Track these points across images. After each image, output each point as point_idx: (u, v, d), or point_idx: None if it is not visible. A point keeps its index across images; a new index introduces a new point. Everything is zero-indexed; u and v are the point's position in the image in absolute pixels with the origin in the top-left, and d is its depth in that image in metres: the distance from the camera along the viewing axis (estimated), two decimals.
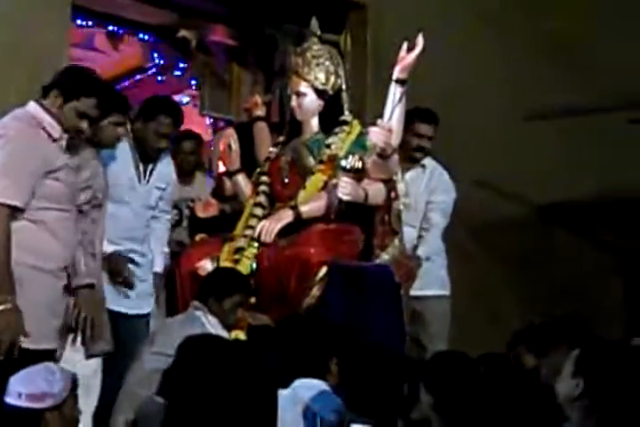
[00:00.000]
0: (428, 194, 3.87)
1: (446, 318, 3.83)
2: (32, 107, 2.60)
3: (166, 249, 3.49)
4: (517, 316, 4.56)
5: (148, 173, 3.35)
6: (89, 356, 2.78)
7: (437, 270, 3.84)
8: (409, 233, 3.60)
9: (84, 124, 2.60)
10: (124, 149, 3.27)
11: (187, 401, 1.45)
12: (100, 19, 4.71)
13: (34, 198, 2.50)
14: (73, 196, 2.66)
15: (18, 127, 2.54)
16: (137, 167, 3.31)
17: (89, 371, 2.77)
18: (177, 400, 1.46)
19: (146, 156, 3.33)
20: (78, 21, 4.53)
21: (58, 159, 2.57)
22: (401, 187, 3.30)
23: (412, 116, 3.69)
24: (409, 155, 3.83)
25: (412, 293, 3.39)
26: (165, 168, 3.44)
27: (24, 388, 2.16)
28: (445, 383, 2.12)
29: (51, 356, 2.54)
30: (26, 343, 2.43)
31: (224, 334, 2.83)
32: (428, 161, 3.94)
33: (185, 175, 3.97)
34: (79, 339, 2.75)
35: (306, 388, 2.37)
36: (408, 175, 3.84)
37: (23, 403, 2.14)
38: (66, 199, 2.60)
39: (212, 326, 2.85)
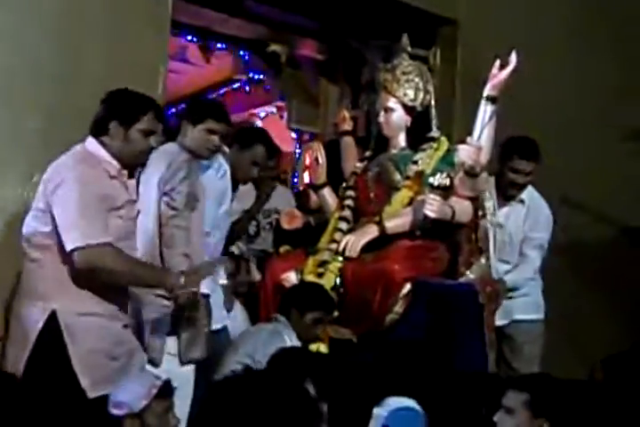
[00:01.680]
0: (526, 230, 3.61)
1: (539, 341, 3.70)
2: (91, 144, 2.55)
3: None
4: (604, 339, 4.43)
5: None
6: (183, 362, 2.81)
7: (534, 295, 3.69)
8: (501, 268, 3.48)
9: (153, 142, 2.59)
10: (228, 180, 3.25)
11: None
12: (194, 32, 4.84)
13: None
14: (132, 232, 2.61)
15: (81, 171, 2.48)
16: None
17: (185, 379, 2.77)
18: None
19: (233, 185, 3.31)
20: (174, 35, 4.66)
21: (120, 196, 2.53)
22: (488, 205, 3.26)
23: (512, 151, 3.50)
24: (503, 191, 3.58)
25: (504, 318, 3.32)
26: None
27: (111, 395, 2.24)
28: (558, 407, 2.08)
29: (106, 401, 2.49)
30: (92, 392, 2.39)
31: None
32: (527, 194, 3.62)
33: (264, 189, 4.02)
34: (175, 345, 2.79)
35: (395, 402, 2.35)
36: (505, 210, 3.59)
37: (110, 409, 2.22)
38: (125, 236, 2.55)
39: (293, 340, 2.88)
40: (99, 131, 2.55)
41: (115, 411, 2.27)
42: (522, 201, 3.63)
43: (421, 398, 2.42)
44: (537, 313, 3.71)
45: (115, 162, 2.54)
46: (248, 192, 3.97)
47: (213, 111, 3.07)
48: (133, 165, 2.61)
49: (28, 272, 2.51)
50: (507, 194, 3.57)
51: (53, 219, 2.45)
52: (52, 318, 2.41)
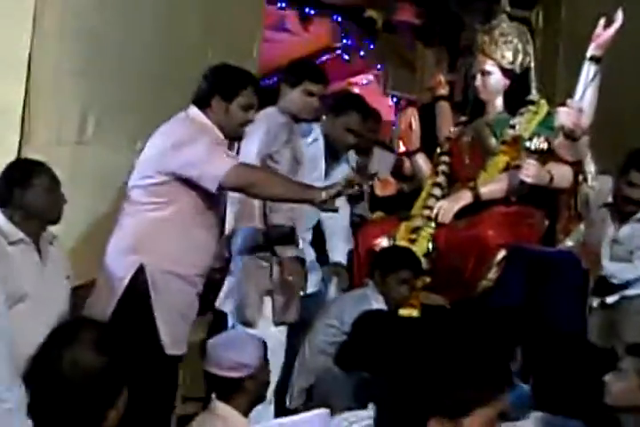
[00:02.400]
0: None
1: None
2: (197, 114, 2.64)
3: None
4: None
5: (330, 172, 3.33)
6: (277, 323, 2.85)
7: None
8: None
9: (251, 115, 2.68)
10: (319, 147, 3.28)
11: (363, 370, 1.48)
12: (292, 0, 4.85)
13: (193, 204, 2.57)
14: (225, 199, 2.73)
15: (196, 129, 2.60)
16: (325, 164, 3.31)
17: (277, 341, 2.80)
18: (352, 369, 1.50)
19: (333, 152, 3.31)
20: (275, 3, 4.69)
21: None
22: (590, 169, 3.13)
23: (629, 164, 3.12)
24: (620, 207, 3.18)
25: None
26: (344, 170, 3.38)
27: (222, 359, 2.28)
28: None
29: (179, 360, 2.60)
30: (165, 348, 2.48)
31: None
32: None
33: (364, 152, 4.02)
34: (269, 306, 2.84)
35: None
36: (624, 231, 3.21)
37: (223, 373, 2.27)
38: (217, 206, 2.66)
39: (380, 304, 2.87)
40: (202, 104, 2.66)
41: (233, 373, 2.27)
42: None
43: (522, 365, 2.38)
44: None
45: (219, 132, 2.64)
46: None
47: (311, 73, 3.10)
48: (233, 137, 2.72)
49: (122, 227, 2.62)
50: (623, 210, 3.17)
51: (165, 174, 2.56)
52: (140, 272, 2.52)
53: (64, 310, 2.52)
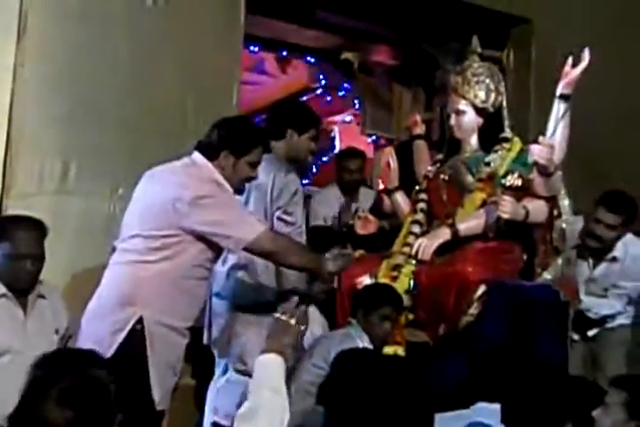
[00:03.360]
0: (618, 280, 3.45)
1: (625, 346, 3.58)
2: (206, 166, 2.62)
3: None
4: None
5: None
6: None
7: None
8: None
9: (256, 173, 2.70)
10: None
11: (344, 411, 1.50)
12: (268, 44, 4.94)
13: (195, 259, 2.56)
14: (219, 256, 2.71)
15: (213, 184, 2.59)
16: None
17: None
18: (334, 410, 1.52)
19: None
20: (251, 47, 4.78)
21: None
22: (564, 204, 3.20)
23: (600, 203, 3.32)
24: (583, 242, 3.39)
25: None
26: None
27: (229, 408, 2.24)
28: None
29: (162, 416, 2.58)
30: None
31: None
32: (620, 248, 3.41)
33: (351, 192, 4.10)
34: None
35: (478, 413, 2.33)
36: (599, 270, 3.43)
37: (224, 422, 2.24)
38: (215, 259, 2.65)
39: (364, 342, 2.90)
40: (210, 155, 2.63)
41: (225, 422, 2.24)
42: (614, 259, 3.43)
43: (504, 399, 2.40)
44: (627, 319, 3.59)
45: (229, 187, 2.64)
46: (333, 196, 4.05)
47: (316, 118, 3.23)
48: (234, 190, 2.70)
49: (116, 276, 2.56)
50: (587, 246, 3.39)
51: (175, 228, 2.51)
52: (138, 324, 2.48)
53: None
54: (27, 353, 2.36)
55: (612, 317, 3.53)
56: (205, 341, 3.06)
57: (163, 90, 3.53)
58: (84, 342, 2.54)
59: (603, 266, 3.46)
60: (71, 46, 3.39)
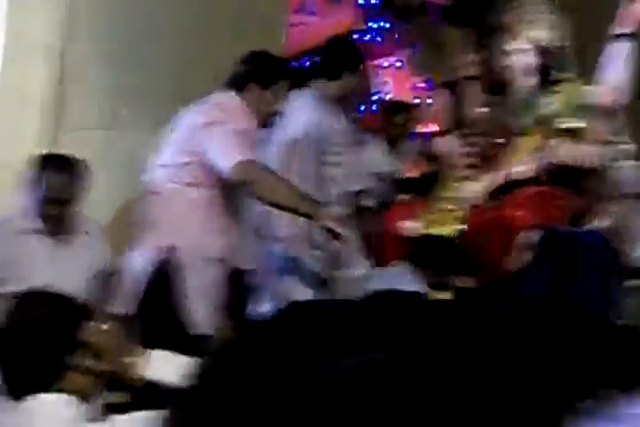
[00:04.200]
0: None
1: None
2: (233, 97, 2.70)
3: None
4: None
5: None
6: None
7: None
8: None
9: (280, 106, 2.76)
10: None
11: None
12: None
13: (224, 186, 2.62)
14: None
15: (230, 111, 2.65)
16: None
17: None
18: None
19: None
20: None
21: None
22: (625, 148, 3.06)
23: None
24: None
25: None
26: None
27: None
28: None
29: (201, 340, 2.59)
30: (196, 329, 2.49)
31: None
32: None
33: (396, 145, 4.01)
34: None
35: None
36: None
37: None
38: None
39: (416, 285, 2.88)
40: (238, 87, 2.70)
41: None
42: None
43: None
44: None
45: (252, 115, 2.70)
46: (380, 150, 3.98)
47: (363, 58, 3.31)
48: (259, 122, 2.75)
49: (151, 206, 2.64)
50: None
51: (195, 154, 2.59)
52: (171, 253, 2.55)
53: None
54: (55, 285, 2.39)
55: None
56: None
57: (211, 29, 3.49)
58: (128, 267, 2.65)
59: None
60: None
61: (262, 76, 2.69)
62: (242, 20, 3.55)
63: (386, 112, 4.24)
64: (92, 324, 1.60)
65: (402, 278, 2.87)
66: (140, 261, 2.59)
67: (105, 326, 1.61)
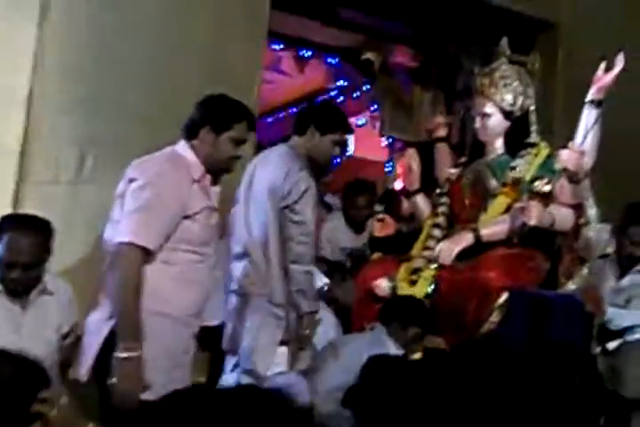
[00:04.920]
0: None
1: None
2: (181, 146, 2.52)
3: None
4: None
5: None
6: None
7: None
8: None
9: (238, 151, 2.55)
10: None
11: (371, 416, 1.43)
12: (289, 42, 4.88)
13: (169, 241, 2.41)
14: (210, 239, 2.55)
15: (165, 170, 2.45)
16: None
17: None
18: (363, 413, 1.45)
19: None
20: (269, 45, 4.71)
21: (197, 203, 2.47)
22: (591, 213, 3.12)
23: (630, 220, 3.26)
24: (622, 262, 3.34)
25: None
26: None
27: None
28: None
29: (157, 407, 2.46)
30: (146, 395, 2.27)
31: None
32: None
33: (358, 226, 3.95)
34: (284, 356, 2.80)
35: None
36: (625, 281, 3.34)
37: None
38: (201, 242, 2.48)
39: (393, 350, 2.85)
40: (190, 134, 2.53)
41: None
42: None
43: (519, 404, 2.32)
44: None
45: (200, 165, 2.50)
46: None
47: (345, 124, 3.09)
48: (218, 171, 2.57)
49: (107, 265, 2.48)
50: (627, 266, 3.32)
51: None
52: None
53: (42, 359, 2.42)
54: (20, 349, 2.28)
55: (632, 329, 3.45)
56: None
57: (182, 82, 3.47)
58: (85, 331, 2.48)
59: (629, 277, 3.39)
60: (94, 34, 3.32)
61: (216, 120, 2.49)
62: (215, 76, 3.54)
63: (347, 191, 4.09)
64: (48, 394, 1.50)
65: (379, 344, 2.83)
66: (96, 323, 2.42)
67: (62, 399, 1.51)
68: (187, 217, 2.44)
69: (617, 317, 3.37)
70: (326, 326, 3.20)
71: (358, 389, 1.50)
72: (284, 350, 2.84)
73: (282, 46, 4.91)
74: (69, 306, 2.65)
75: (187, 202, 2.44)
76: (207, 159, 2.50)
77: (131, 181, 2.46)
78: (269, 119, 6.15)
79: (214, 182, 2.57)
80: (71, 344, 2.65)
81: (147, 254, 2.37)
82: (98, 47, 3.32)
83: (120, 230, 2.39)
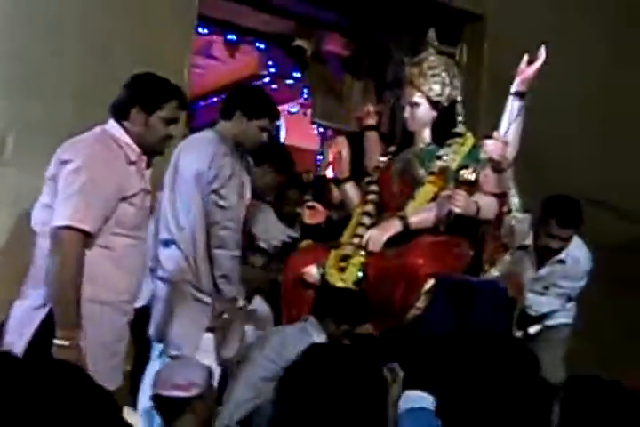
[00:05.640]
0: (558, 280, 3.55)
1: (565, 345, 3.66)
2: (113, 127, 2.47)
3: None
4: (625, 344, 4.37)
5: None
6: (219, 361, 2.83)
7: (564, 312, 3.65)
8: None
9: (172, 130, 2.53)
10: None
11: (303, 407, 1.46)
12: (220, 26, 4.83)
13: (107, 225, 2.38)
14: (143, 222, 2.54)
15: (97, 151, 2.41)
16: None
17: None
18: (292, 406, 1.47)
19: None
20: (199, 29, 4.66)
21: (133, 185, 2.45)
22: (514, 201, 3.21)
23: (550, 215, 3.38)
24: (538, 252, 3.48)
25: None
26: None
27: (171, 379, 2.22)
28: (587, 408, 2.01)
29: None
30: None
31: None
32: (568, 253, 3.49)
33: (289, 219, 3.88)
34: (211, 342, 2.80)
35: (408, 400, 2.33)
36: (544, 270, 3.51)
37: (171, 392, 2.20)
38: (136, 226, 2.47)
39: (320, 338, 2.89)
40: (120, 115, 2.48)
41: (182, 393, 2.21)
42: (561, 261, 3.51)
43: (441, 392, 2.38)
44: (567, 318, 3.66)
45: (136, 147, 2.46)
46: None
47: (273, 110, 3.08)
48: (151, 152, 2.54)
49: (38, 250, 2.43)
50: (544, 257, 3.47)
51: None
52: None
53: None
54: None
55: (551, 314, 3.60)
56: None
57: (112, 65, 3.41)
58: (10, 320, 2.42)
59: (548, 267, 3.52)
60: (23, 15, 3.24)
61: (146, 99, 2.44)
62: (144, 60, 3.49)
63: (281, 183, 3.91)
64: None
65: (306, 335, 2.87)
66: (25, 310, 2.36)
67: None
68: (123, 199, 2.41)
69: (536, 303, 3.50)
70: (260, 317, 3.24)
71: (295, 375, 1.52)
72: (210, 336, 2.85)
73: (209, 30, 4.85)
74: None
75: (123, 184, 2.41)
76: (139, 140, 2.47)
77: (63, 162, 2.40)
78: (201, 104, 6.10)
79: (148, 165, 2.55)
80: None
81: (86, 238, 2.33)
82: (23, 27, 3.24)
83: (57, 215, 2.33)
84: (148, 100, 2.48)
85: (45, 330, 2.30)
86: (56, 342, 2.25)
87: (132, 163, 2.46)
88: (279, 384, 1.47)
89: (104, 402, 1.20)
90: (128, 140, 2.46)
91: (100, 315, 2.37)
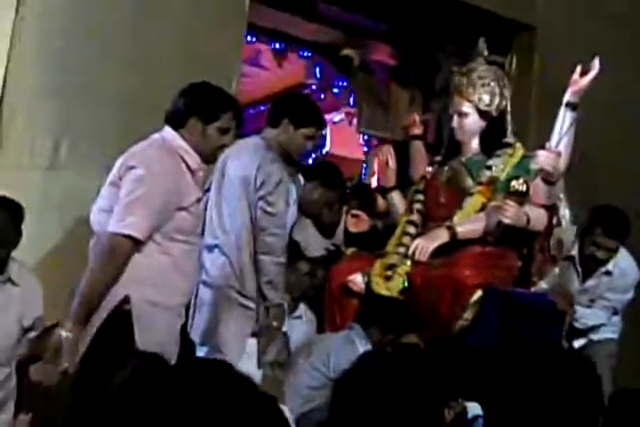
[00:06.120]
0: (605, 292, 3.52)
1: (611, 360, 3.59)
2: (172, 135, 2.49)
3: None
4: None
5: None
6: (260, 365, 2.83)
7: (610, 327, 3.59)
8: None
9: (227, 140, 2.55)
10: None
11: (358, 413, 1.45)
12: (267, 35, 4.86)
13: (167, 231, 2.42)
14: (197, 228, 2.59)
15: (162, 161, 2.44)
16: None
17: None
18: (347, 412, 1.46)
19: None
20: (248, 37, 4.69)
21: (192, 194, 2.49)
22: (564, 213, 3.17)
23: (597, 224, 3.36)
24: (583, 262, 3.45)
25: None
26: None
27: None
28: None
29: None
30: None
31: None
32: (613, 263, 3.46)
33: (328, 231, 3.84)
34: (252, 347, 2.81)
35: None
36: (590, 282, 3.48)
37: None
38: (193, 232, 2.52)
39: (365, 347, 2.88)
40: (177, 123, 2.51)
41: None
42: (608, 272, 3.48)
43: (488, 405, 2.35)
44: (613, 333, 3.60)
45: (196, 156, 2.50)
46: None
47: (319, 119, 3.11)
48: (205, 161, 2.57)
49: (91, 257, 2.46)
50: (588, 267, 3.44)
51: None
52: (124, 304, 2.37)
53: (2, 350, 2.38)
54: None
55: (598, 328, 3.53)
56: (189, 329, 2.99)
57: (162, 70, 3.45)
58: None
59: (594, 278, 3.46)
60: (70, 21, 3.29)
61: (204, 110, 2.47)
62: (194, 67, 3.53)
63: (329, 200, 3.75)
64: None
65: (350, 343, 2.85)
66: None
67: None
68: (182, 208, 2.45)
69: (583, 315, 3.44)
70: (302, 323, 3.23)
71: (349, 382, 1.52)
72: (253, 341, 2.85)
73: (258, 39, 4.89)
74: (33, 298, 2.62)
75: (182, 195, 2.45)
76: (196, 149, 2.50)
77: (129, 168, 2.44)
78: (250, 111, 6.14)
79: None
80: (36, 338, 2.61)
81: (135, 245, 2.38)
82: (75, 32, 3.30)
83: (114, 220, 2.38)
84: (206, 110, 2.51)
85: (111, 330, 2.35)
86: (63, 333, 2.28)
87: (192, 171, 2.50)
88: (334, 390, 1.47)
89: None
90: (189, 149, 2.50)
91: (159, 317, 2.40)
